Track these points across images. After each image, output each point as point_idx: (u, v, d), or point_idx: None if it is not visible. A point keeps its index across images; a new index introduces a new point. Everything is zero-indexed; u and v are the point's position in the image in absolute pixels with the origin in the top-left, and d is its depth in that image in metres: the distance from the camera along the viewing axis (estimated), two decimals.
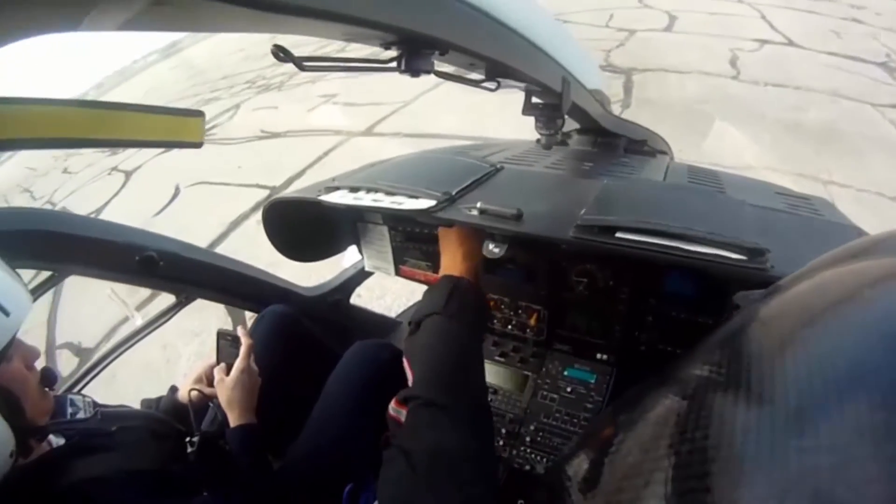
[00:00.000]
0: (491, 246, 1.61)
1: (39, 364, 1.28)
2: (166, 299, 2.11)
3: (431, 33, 0.93)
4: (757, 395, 0.44)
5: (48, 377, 1.27)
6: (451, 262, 1.52)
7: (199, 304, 2.17)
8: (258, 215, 6.23)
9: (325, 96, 10.26)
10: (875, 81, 7.53)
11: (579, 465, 0.67)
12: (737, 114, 6.69)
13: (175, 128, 0.96)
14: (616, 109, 6.41)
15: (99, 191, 9.06)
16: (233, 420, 1.64)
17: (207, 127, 10.06)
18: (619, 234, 1.38)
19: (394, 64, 1.00)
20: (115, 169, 9.68)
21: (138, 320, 2.12)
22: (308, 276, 3.15)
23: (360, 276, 2.64)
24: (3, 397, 1.11)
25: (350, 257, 2.56)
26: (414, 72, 1.01)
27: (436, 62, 1.06)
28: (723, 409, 0.47)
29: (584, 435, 0.81)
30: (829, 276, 0.55)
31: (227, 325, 3.76)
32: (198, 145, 0.98)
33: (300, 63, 0.87)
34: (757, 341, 0.53)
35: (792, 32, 9.61)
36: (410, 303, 3.29)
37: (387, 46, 0.97)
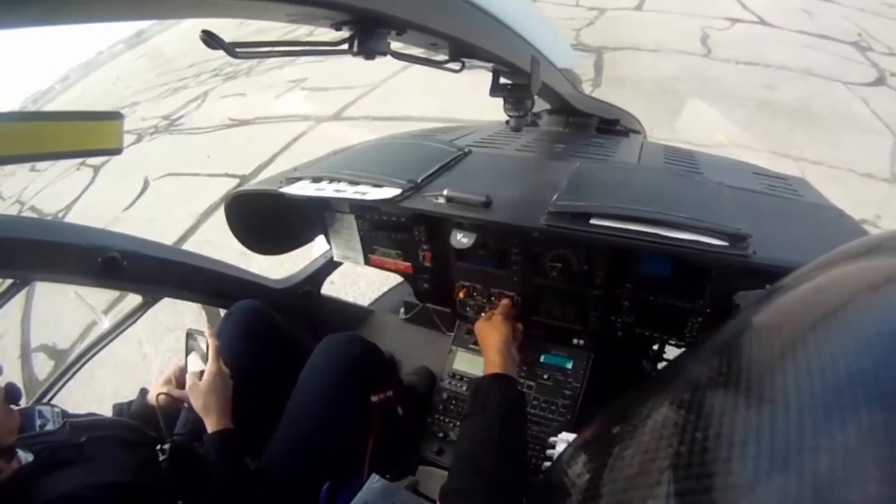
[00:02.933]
0: (459, 236, 1.60)
1: (13, 374, 1.24)
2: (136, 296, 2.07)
3: (385, 10, 0.87)
4: (764, 397, 0.45)
5: (12, 394, 1.23)
6: (485, 356, 1.67)
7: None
8: None
9: (293, 81, 10.23)
10: (846, 60, 7.64)
11: (581, 467, 0.68)
12: (708, 92, 6.77)
13: (91, 134, 0.89)
14: (586, 89, 6.44)
15: (68, 187, 8.91)
16: (210, 425, 1.60)
17: (175, 117, 10.00)
18: (593, 221, 1.37)
19: (345, 46, 0.94)
20: (82, 164, 9.56)
21: (105, 323, 2.07)
22: (281, 264, 3.12)
23: (330, 265, 2.61)
24: None
25: (319, 247, 2.52)
26: (368, 54, 0.94)
27: (393, 43, 0.99)
28: (729, 412, 0.46)
29: (586, 435, 0.82)
30: (832, 276, 0.55)
31: (202, 317, 3.70)
32: (117, 152, 0.93)
33: (231, 49, 0.80)
34: (763, 342, 0.53)
35: (763, 11, 9.73)
36: (384, 289, 3.28)
37: (337, 27, 0.91)
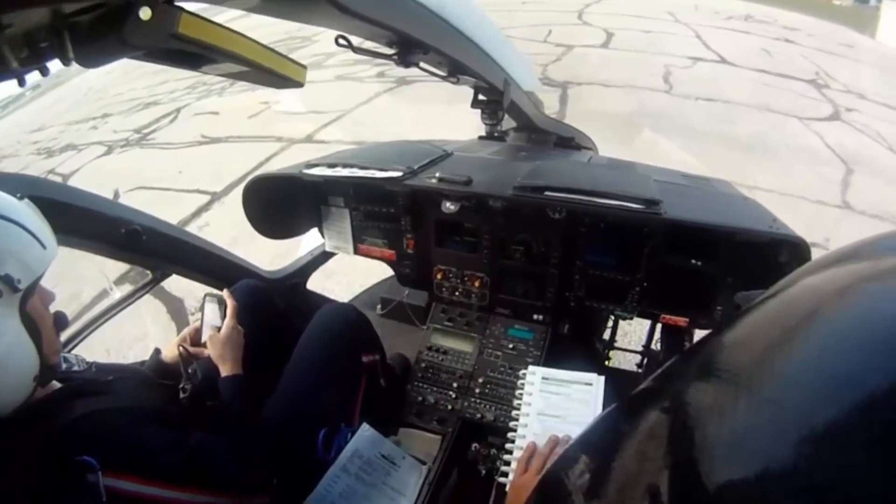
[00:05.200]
0: (448, 204, 2.11)
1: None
2: None
3: (418, 37, 1.49)
4: (758, 395, 0.44)
5: (60, 320, 1.40)
6: None
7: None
8: (199, 221, 6.54)
9: (265, 103, 10.25)
10: (803, 97, 8.36)
11: (580, 469, 0.69)
12: (667, 126, 7.31)
13: (282, 65, 1.23)
14: None
15: None
16: (224, 371, 1.78)
17: (147, 131, 9.97)
18: (546, 193, 1.93)
19: (395, 57, 1.56)
20: (51, 172, 9.48)
21: (116, 294, 2.29)
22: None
23: (317, 261, 2.97)
24: (30, 326, 1.24)
25: (306, 245, 2.93)
26: (407, 64, 1.57)
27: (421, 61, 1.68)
28: (723, 411, 0.46)
29: (585, 437, 0.82)
30: (819, 279, 0.55)
31: (171, 327, 3.97)
32: (299, 85, 1.29)
33: (356, 48, 1.46)
34: (755, 342, 0.54)
35: (725, 51, 10.47)
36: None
37: (390, 45, 1.53)
